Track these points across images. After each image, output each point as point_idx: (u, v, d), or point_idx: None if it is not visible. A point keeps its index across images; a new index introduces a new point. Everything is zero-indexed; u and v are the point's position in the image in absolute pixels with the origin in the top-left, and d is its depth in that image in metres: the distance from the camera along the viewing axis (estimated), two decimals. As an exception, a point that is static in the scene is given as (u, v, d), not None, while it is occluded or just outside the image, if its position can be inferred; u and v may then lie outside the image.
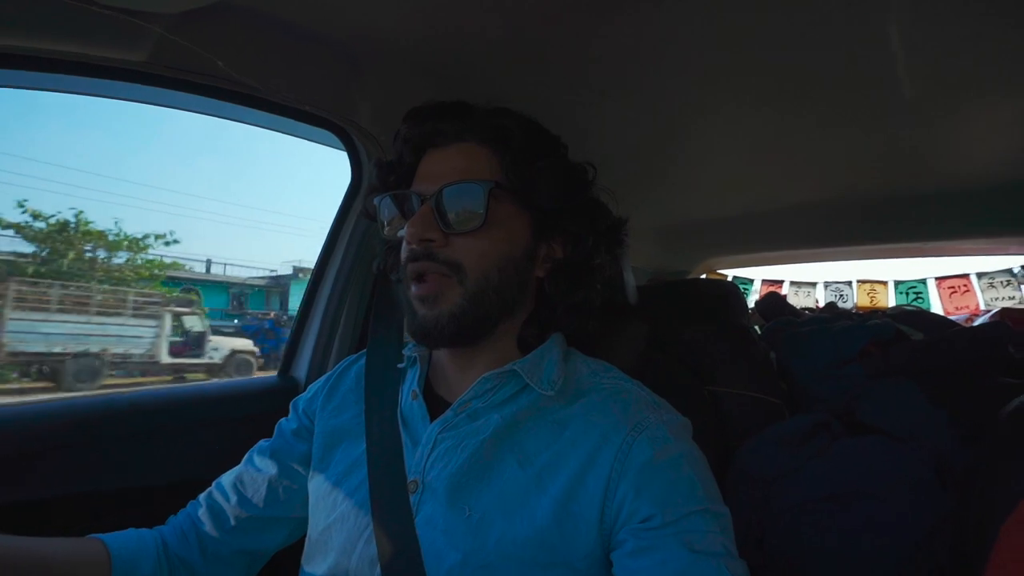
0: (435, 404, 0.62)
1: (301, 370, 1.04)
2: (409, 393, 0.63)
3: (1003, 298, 1.88)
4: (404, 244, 0.59)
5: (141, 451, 0.80)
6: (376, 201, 0.63)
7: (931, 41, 0.78)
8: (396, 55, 0.85)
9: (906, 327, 1.14)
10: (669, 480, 0.51)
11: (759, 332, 1.24)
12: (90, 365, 7.94)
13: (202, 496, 0.68)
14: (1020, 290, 1.86)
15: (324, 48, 0.82)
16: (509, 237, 0.59)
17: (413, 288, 0.58)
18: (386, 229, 0.63)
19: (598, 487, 0.52)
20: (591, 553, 0.51)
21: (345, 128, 0.96)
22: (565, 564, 0.51)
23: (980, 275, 1.93)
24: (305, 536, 0.63)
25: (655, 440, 0.53)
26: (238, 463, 0.70)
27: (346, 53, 0.84)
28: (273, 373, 1.08)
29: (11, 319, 7.61)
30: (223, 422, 0.90)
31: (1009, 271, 1.89)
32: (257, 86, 0.81)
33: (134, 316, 8.73)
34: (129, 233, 10.24)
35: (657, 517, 0.49)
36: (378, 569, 0.53)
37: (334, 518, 0.59)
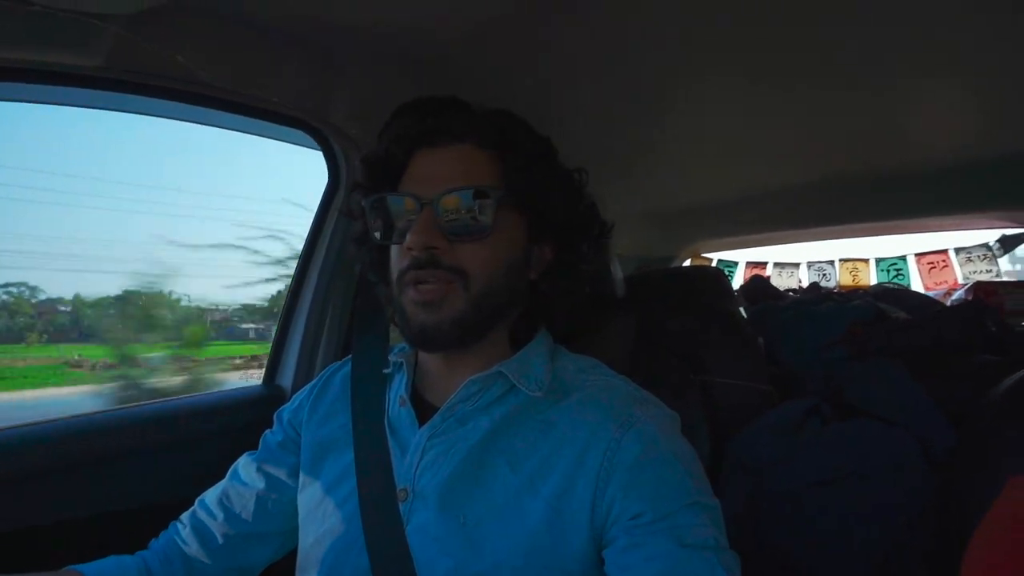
0: (423, 409, 0.60)
1: (287, 378, 1.02)
2: (396, 399, 0.62)
3: (980, 271, 1.91)
4: (403, 249, 0.56)
5: (123, 473, 0.77)
6: (366, 202, 0.59)
7: (906, 21, 0.79)
8: (371, 51, 0.83)
9: (887, 306, 1.16)
10: (658, 476, 0.51)
11: (745, 316, 1.25)
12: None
13: (185, 516, 0.66)
14: (996, 264, 1.90)
15: (294, 44, 0.79)
16: (510, 242, 0.58)
17: (412, 293, 0.55)
18: (377, 231, 0.59)
19: (588, 487, 0.51)
20: (585, 555, 0.51)
21: (319, 128, 0.94)
22: (558, 570, 0.50)
23: (958, 250, 1.96)
24: (293, 548, 0.62)
25: (643, 436, 0.53)
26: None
27: (318, 49, 0.81)
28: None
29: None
30: (209, 435, 0.87)
31: (985, 245, 1.92)
32: (224, 86, 0.78)
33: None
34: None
35: (647, 514, 0.49)
36: None
37: (324, 529, 0.58)
